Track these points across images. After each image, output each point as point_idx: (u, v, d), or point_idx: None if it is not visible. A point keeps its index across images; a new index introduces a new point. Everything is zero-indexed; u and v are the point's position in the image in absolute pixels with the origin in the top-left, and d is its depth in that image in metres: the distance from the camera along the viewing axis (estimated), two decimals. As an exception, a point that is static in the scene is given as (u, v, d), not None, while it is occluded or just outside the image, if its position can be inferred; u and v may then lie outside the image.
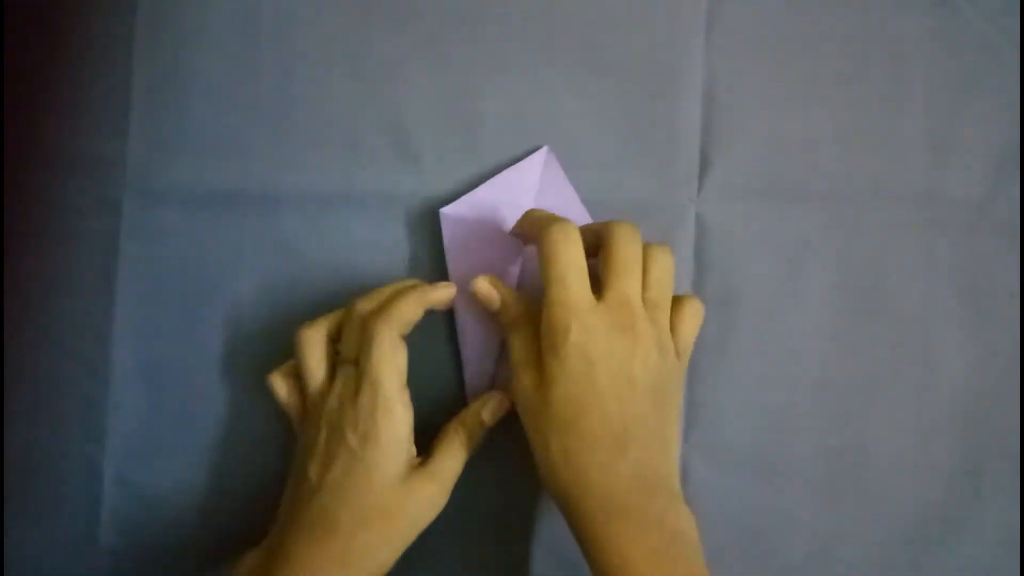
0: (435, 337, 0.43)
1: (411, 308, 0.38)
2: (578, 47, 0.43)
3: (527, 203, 0.42)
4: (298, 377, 0.40)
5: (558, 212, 0.40)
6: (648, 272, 0.38)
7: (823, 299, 0.43)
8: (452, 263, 0.42)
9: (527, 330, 0.38)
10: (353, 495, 0.36)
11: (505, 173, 0.42)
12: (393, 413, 0.37)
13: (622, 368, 0.36)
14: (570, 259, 0.37)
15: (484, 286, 0.39)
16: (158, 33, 0.43)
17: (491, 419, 0.40)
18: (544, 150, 0.43)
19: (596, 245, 0.38)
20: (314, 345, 0.39)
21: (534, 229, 0.39)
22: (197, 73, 0.43)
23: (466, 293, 0.40)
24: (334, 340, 0.40)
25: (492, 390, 0.41)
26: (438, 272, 0.43)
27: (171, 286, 0.43)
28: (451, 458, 0.38)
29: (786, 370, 0.43)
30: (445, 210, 0.42)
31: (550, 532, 0.43)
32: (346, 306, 0.40)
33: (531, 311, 0.39)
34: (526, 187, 0.42)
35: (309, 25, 0.43)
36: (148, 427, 0.42)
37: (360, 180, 0.43)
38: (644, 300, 0.37)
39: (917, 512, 0.43)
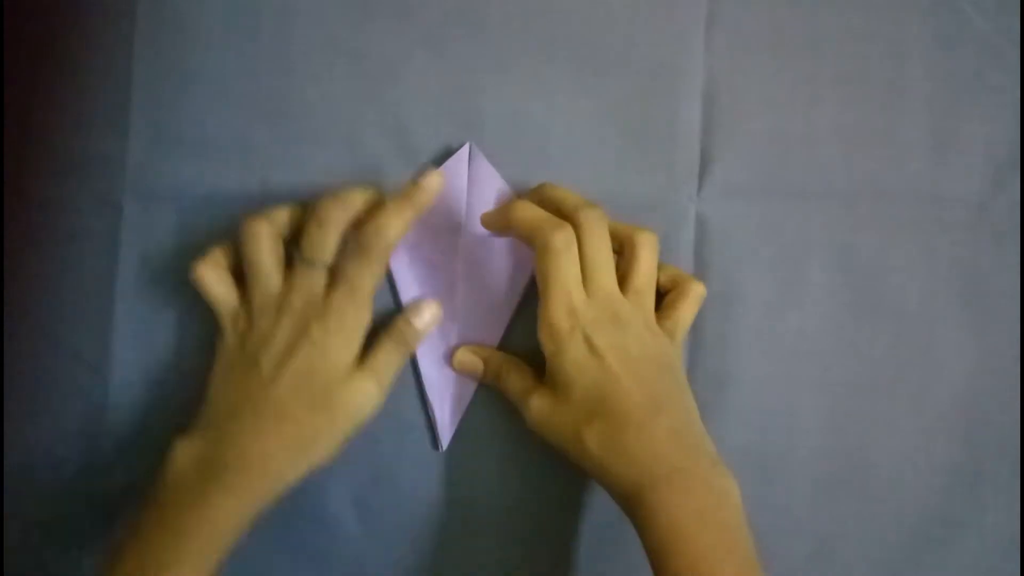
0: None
1: (402, 226, 0.39)
2: (578, 47, 0.43)
3: (460, 200, 0.42)
4: (228, 271, 0.40)
5: (493, 203, 0.42)
6: (636, 259, 0.40)
7: (823, 298, 0.43)
8: (396, 271, 0.42)
9: (513, 367, 0.41)
10: (306, 385, 0.38)
11: None
12: (362, 312, 0.39)
13: (625, 351, 0.38)
14: (570, 270, 0.38)
15: (465, 357, 0.42)
16: (158, 33, 0.43)
17: (420, 323, 0.41)
18: (467, 146, 0.43)
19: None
20: (270, 242, 0.39)
21: (529, 230, 0.39)
22: (197, 72, 0.43)
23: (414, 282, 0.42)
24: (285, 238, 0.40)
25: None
26: (438, 272, 0.43)
27: (171, 286, 0.43)
28: (387, 357, 0.40)
29: (786, 370, 0.43)
30: None
31: (554, 529, 0.43)
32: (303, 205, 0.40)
33: (507, 356, 0.42)
34: (457, 185, 0.42)
35: (309, 24, 0.43)
36: (148, 427, 0.42)
37: (360, 179, 0.43)
38: (628, 288, 0.39)
39: (917, 512, 0.43)
